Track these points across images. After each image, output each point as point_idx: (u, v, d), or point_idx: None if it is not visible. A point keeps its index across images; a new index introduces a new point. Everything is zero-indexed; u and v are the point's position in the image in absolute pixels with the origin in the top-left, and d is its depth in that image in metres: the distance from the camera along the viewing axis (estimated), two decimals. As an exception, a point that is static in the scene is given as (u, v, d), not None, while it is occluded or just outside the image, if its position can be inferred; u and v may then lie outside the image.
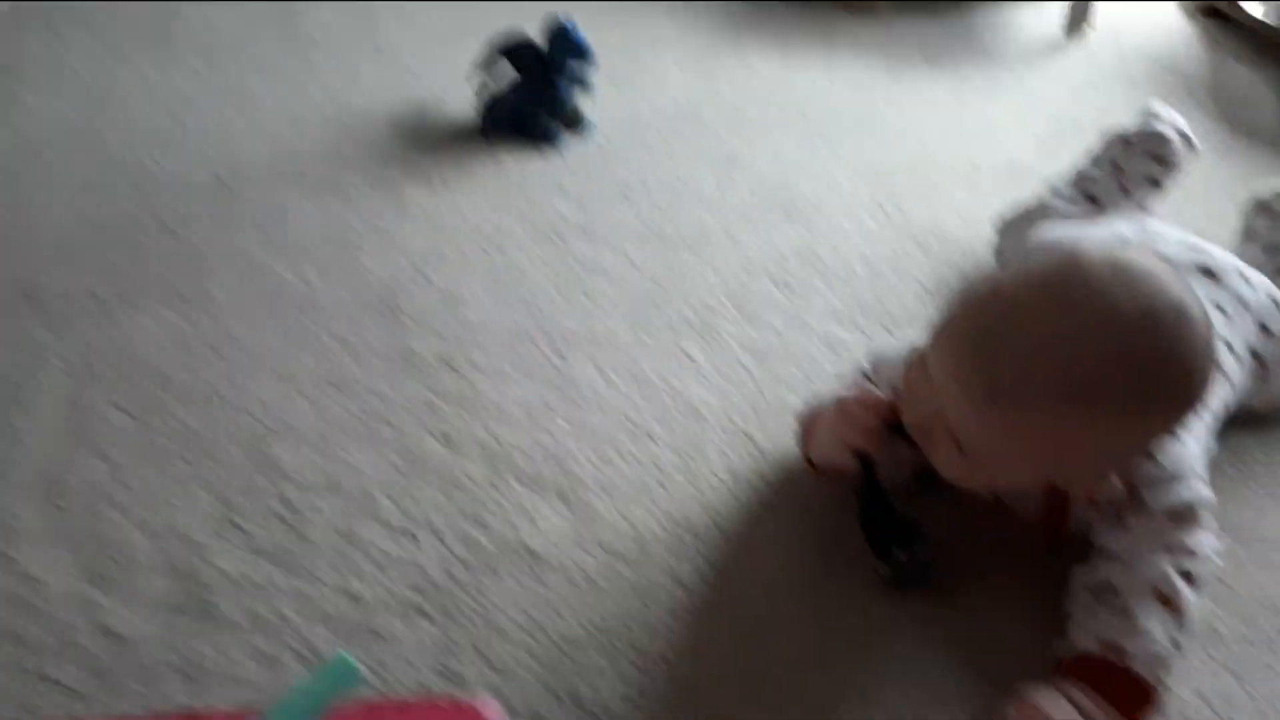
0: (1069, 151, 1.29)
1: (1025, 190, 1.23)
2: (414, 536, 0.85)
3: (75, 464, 0.89)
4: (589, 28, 1.43)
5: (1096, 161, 1.23)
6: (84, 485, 0.87)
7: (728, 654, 0.79)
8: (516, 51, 1.42)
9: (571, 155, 1.42)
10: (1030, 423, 0.72)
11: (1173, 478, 0.81)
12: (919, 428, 0.79)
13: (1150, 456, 0.79)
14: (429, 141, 1.42)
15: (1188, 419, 0.77)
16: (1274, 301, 1.01)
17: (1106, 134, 1.23)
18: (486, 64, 1.42)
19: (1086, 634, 0.77)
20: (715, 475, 0.93)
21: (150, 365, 1.00)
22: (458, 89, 1.48)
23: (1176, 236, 1.03)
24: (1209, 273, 0.98)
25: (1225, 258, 1.02)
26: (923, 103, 1.60)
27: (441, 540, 0.85)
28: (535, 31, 1.42)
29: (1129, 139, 1.22)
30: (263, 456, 0.91)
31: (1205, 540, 0.80)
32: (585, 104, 1.46)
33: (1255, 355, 0.98)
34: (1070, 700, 0.73)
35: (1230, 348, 0.94)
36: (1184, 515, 0.80)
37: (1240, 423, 0.99)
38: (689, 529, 0.88)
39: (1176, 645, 0.75)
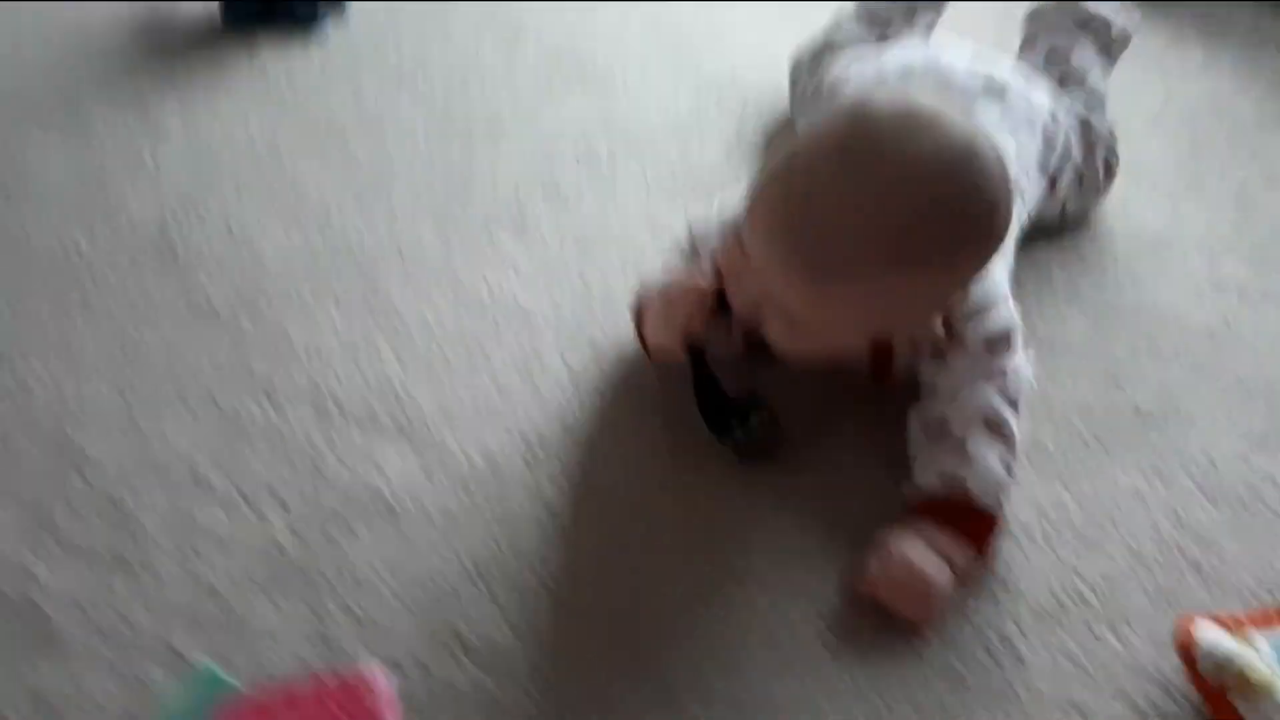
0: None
1: (812, 25, 1.22)
2: (253, 506, 0.80)
3: None
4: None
5: None
6: None
7: (600, 560, 0.79)
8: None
9: (336, 41, 1.30)
10: (857, 291, 0.73)
11: (985, 308, 0.84)
12: (748, 309, 0.79)
13: (964, 292, 0.82)
14: (172, 45, 1.26)
15: (998, 250, 0.80)
16: (1053, 114, 1.05)
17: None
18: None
19: (927, 472, 0.81)
20: (555, 380, 0.91)
21: (-99, 367, 0.88)
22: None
23: (964, 58, 1.04)
24: (997, 92, 1.01)
25: (1011, 74, 1.04)
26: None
27: (284, 505, 0.81)
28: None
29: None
30: (66, 449, 0.83)
31: (1020, 363, 0.85)
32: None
33: (1042, 168, 1.02)
34: (922, 538, 0.78)
35: (1023, 168, 0.98)
36: (999, 342, 0.84)
37: (1036, 237, 1.05)
38: (539, 442, 0.87)
39: (1009, 469, 0.81)
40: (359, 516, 0.80)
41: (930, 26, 1.22)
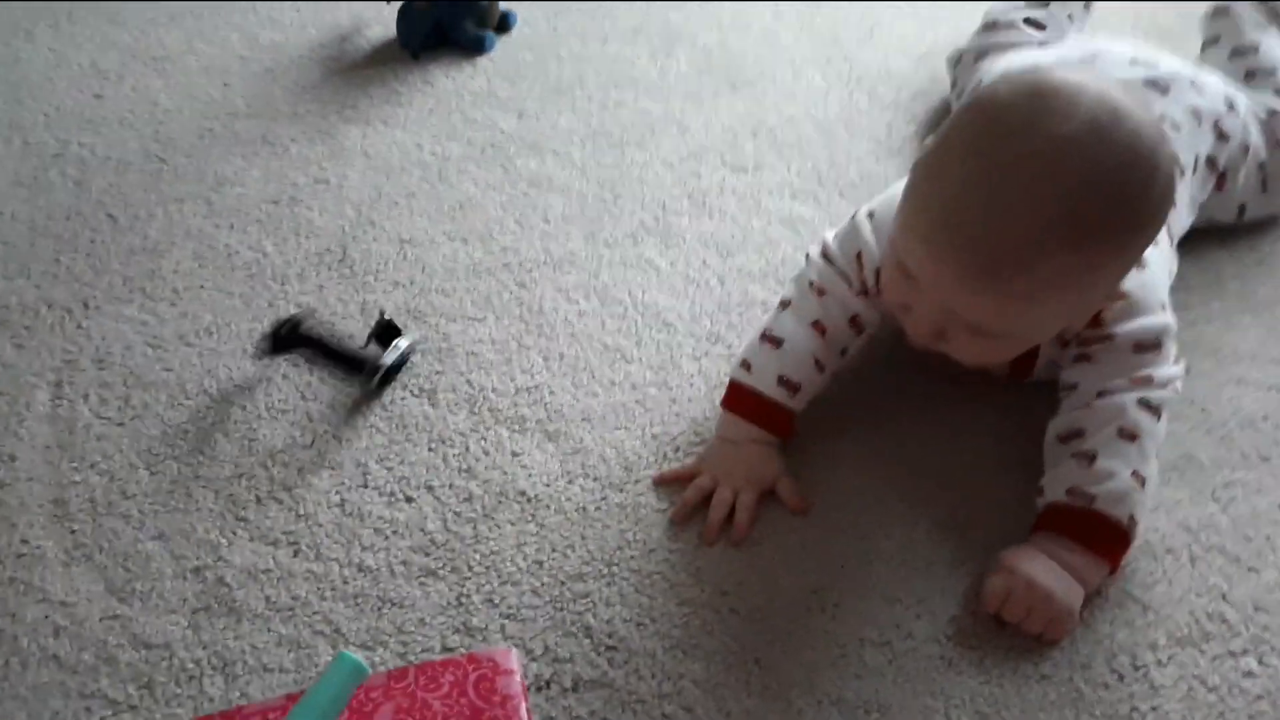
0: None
1: (968, 16, 1.19)
2: (410, 499, 0.88)
3: (74, 482, 0.91)
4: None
5: None
6: (87, 502, 0.89)
7: (725, 559, 0.82)
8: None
9: (502, 58, 1.37)
10: (1038, 280, 0.70)
11: (1139, 309, 0.81)
12: (930, 334, 0.77)
13: (1119, 290, 0.78)
14: (356, 71, 1.37)
15: (1167, 213, 0.75)
16: (1229, 103, 0.99)
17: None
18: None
19: (1055, 484, 0.79)
20: (690, 384, 0.94)
21: (125, 368, 1.01)
22: (373, 6, 1.42)
23: (1125, 53, 1.00)
24: (1158, 86, 0.96)
25: (1176, 69, 0.99)
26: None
27: (438, 498, 0.88)
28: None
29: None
30: (251, 443, 0.93)
31: (1168, 369, 0.81)
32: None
33: (1211, 163, 0.97)
34: (1047, 554, 0.76)
35: (1185, 163, 0.93)
36: (1149, 345, 0.81)
37: (1209, 237, 0.99)
38: (670, 444, 0.90)
39: (1140, 479, 0.77)
40: (503, 511, 0.86)
41: (1082, 28, 1.18)
